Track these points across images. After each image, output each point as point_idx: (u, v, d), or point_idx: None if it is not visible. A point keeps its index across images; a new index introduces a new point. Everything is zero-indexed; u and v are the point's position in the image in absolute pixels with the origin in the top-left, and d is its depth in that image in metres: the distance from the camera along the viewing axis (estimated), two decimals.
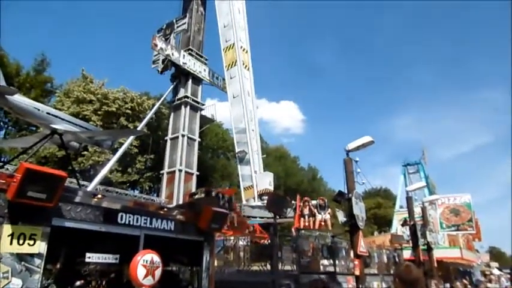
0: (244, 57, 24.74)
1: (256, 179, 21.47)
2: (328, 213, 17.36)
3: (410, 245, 19.33)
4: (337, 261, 13.46)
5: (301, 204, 17.62)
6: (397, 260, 19.65)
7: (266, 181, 21.05)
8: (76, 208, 4.94)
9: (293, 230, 15.45)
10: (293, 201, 17.05)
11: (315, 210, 17.22)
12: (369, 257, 15.66)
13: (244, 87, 23.44)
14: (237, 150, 23.06)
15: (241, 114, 22.93)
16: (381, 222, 56.76)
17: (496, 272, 39.37)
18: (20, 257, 4.17)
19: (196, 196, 16.01)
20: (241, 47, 24.59)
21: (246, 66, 24.59)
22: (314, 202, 17.96)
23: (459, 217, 31.83)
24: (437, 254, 21.45)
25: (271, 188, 21.10)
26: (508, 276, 35.75)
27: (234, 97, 23.56)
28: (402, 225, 25.61)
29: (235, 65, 23.79)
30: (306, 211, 17.33)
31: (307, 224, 16.88)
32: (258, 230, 18.12)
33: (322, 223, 16.91)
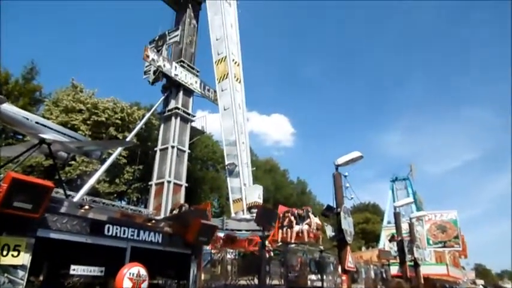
0: (236, 70, 24.92)
1: (245, 192, 21.38)
2: (307, 223, 15.79)
3: (398, 260, 19.38)
4: (324, 277, 13.40)
5: (281, 215, 17.04)
6: (384, 275, 19.67)
7: (255, 194, 20.97)
8: (62, 219, 4.88)
9: (268, 243, 14.72)
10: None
11: (294, 221, 15.66)
12: (356, 273, 15.64)
13: (235, 100, 23.53)
14: (226, 162, 22.99)
15: (232, 126, 22.96)
16: (369, 238, 56.87)
17: None
18: (3, 269, 4.09)
19: (174, 212, 15.66)
20: (233, 60, 24.79)
21: (237, 79, 24.75)
22: (297, 212, 17.20)
23: (446, 234, 32.14)
24: (424, 270, 21.54)
25: (261, 201, 21.02)
26: None
27: (225, 109, 23.62)
28: (390, 240, 25.69)
29: (226, 77, 23.93)
30: (285, 222, 16.49)
31: (285, 235, 15.34)
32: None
33: (300, 234, 15.37)
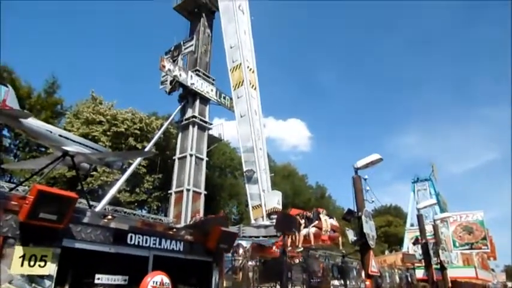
0: (251, 76, 25.04)
1: (264, 198, 21.33)
2: (316, 225, 15.30)
3: (423, 264, 18.86)
4: (348, 282, 13.19)
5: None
6: (409, 279, 19.18)
7: (274, 200, 20.89)
8: (86, 229, 4.96)
9: (275, 248, 14.21)
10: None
11: (303, 225, 15.14)
12: (380, 277, 15.28)
13: (251, 107, 23.61)
14: (244, 169, 23.02)
15: (249, 133, 23.02)
16: (392, 241, 55.70)
17: None
18: (31, 279, 4.18)
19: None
20: (248, 67, 24.92)
21: (252, 85, 24.86)
22: (306, 214, 16.15)
23: (472, 235, 31.14)
24: (451, 273, 20.89)
25: (280, 206, 20.93)
26: None
27: (241, 116, 23.72)
28: (414, 243, 25.06)
29: (242, 84, 24.06)
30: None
31: (293, 239, 14.61)
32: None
33: (307, 237, 14.76)
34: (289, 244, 13.96)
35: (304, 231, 14.73)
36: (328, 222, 15.78)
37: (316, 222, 15.98)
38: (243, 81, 24.10)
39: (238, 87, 24.37)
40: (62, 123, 27.59)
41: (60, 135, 9.19)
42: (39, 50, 77.72)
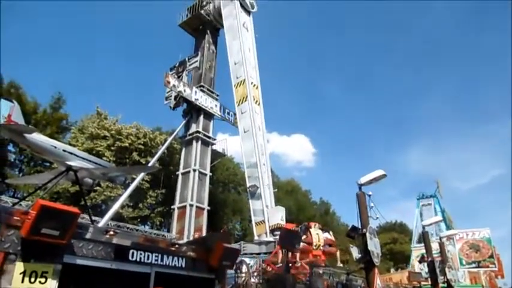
0: (255, 92, 25.24)
1: (268, 214, 21.17)
2: (302, 241, 13.85)
3: (429, 282, 18.48)
4: None
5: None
6: None
7: (278, 216, 20.73)
8: (88, 245, 4.93)
9: (266, 265, 13.64)
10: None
11: None
12: None
13: (255, 122, 23.72)
14: (248, 184, 22.95)
15: (252, 148, 23.05)
16: (398, 258, 54.80)
17: None
18: None
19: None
20: (252, 83, 25.16)
21: (256, 101, 25.03)
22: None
23: (479, 253, 30.61)
24: None
25: (283, 222, 20.73)
26: None
27: (245, 132, 23.80)
28: (420, 261, 24.62)
29: (246, 100, 24.24)
30: None
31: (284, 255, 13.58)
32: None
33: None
34: (279, 260, 13.70)
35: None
36: (320, 236, 15.18)
37: (304, 237, 15.37)
38: (246, 97, 24.29)
39: (242, 102, 24.55)
40: (67, 138, 27.77)
41: (64, 150, 9.25)
42: (46, 65, 79.00)
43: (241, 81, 24.89)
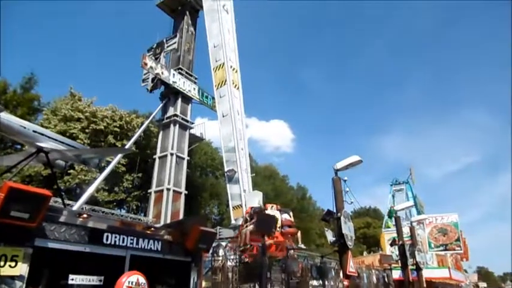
0: (234, 76, 25.00)
1: (245, 198, 21.32)
2: (252, 223, 13.90)
3: (399, 265, 19.25)
4: (326, 282, 13.31)
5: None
6: (386, 280, 19.54)
7: (255, 200, 20.86)
8: (60, 228, 4.82)
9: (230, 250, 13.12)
10: None
11: (248, 222, 14.16)
12: (358, 277, 15.52)
13: (233, 107, 23.58)
14: (226, 169, 22.96)
15: (231, 133, 22.98)
16: (370, 242, 56.66)
17: None
18: (1, 280, 4.03)
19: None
20: (231, 66, 24.89)
21: (235, 85, 24.82)
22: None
23: (447, 237, 32.00)
24: (426, 274, 21.40)
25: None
26: None
27: (223, 116, 23.65)
28: (391, 244, 25.55)
29: (224, 84, 24.00)
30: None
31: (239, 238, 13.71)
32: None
33: (244, 236, 13.64)
34: (241, 244, 13.48)
35: (243, 231, 14.00)
36: (279, 217, 14.61)
37: (254, 219, 15.22)
38: (225, 80, 24.04)
39: (221, 86, 24.30)
40: (39, 120, 26.79)
41: (35, 131, 8.91)
42: (16, 44, 75.37)
43: (220, 65, 24.56)
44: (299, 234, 15.74)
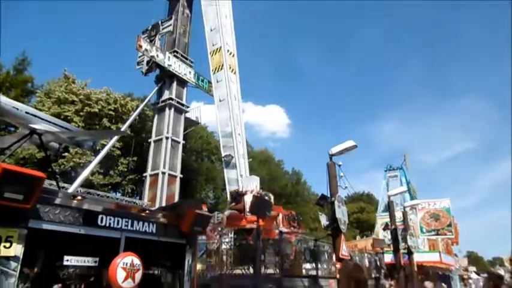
0: (231, 61, 24.74)
1: (242, 183, 21.41)
2: (232, 207, 14.63)
3: (392, 249, 19.58)
4: (319, 265, 13.53)
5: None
6: (378, 263, 19.89)
7: (252, 185, 20.94)
8: (54, 210, 4.83)
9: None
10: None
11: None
12: (350, 261, 15.76)
13: (230, 91, 23.42)
14: (223, 154, 22.96)
15: (228, 118, 22.89)
16: (364, 227, 57.44)
17: (474, 276, 40.25)
18: None
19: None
20: (228, 50, 24.60)
21: (232, 70, 24.60)
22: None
23: (439, 222, 32.48)
24: (417, 258, 21.78)
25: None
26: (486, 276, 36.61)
27: (220, 101, 23.51)
28: (384, 229, 25.93)
29: (221, 68, 23.78)
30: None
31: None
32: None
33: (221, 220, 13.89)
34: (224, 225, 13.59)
35: (221, 215, 14.13)
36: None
37: (233, 204, 15.41)
38: (222, 65, 23.81)
39: (217, 71, 24.07)
40: (33, 102, 26.49)
41: (28, 113, 8.81)
42: (9, 25, 73.77)
43: (217, 49, 24.27)
44: (280, 217, 15.62)
